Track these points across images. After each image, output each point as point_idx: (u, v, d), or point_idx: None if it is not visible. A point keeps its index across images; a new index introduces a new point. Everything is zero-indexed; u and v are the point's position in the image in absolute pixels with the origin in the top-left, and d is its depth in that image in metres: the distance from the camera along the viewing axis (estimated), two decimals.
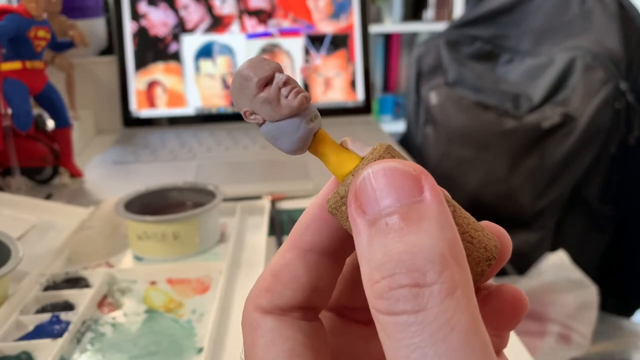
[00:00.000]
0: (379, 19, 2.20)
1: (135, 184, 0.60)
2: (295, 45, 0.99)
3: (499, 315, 0.18)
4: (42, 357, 0.38)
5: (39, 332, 0.41)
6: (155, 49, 0.96)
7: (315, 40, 1.00)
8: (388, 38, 2.26)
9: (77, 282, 0.47)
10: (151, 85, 0.97)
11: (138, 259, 0.52)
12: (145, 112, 0.97)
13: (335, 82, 1.00)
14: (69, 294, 0.45)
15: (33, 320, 0.42)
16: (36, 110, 0.70)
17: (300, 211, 0.63)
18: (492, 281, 0.19)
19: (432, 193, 0.14)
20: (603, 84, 1.09)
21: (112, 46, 1.00)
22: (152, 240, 0.51)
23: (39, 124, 0.70)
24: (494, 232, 0.19)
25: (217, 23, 0.98)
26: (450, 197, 0.17)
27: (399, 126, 2.12)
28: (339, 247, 0.18)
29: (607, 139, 1.13)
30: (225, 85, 0.98)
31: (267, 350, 0.17)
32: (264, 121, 0.17)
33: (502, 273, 1.16)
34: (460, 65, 1.24)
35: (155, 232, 0.51)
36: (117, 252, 0.54)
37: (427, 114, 1.27)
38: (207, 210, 0.52)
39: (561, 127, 1.11)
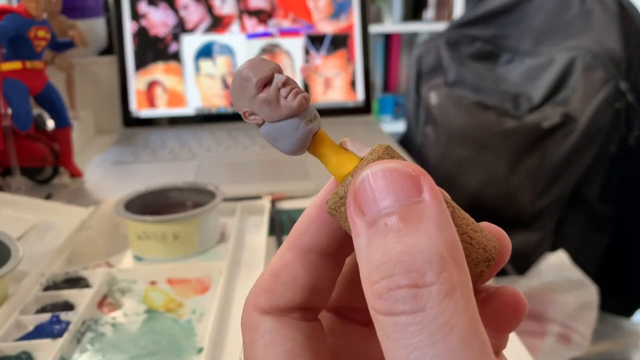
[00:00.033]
0: (379, 19, 2.20)
1: (135, 184, 0.60)
2: (295, 45, 0.99)
3: (499, 317, 0.18)
4: (42, 357, 0.38)
5: (39, 332, 0.41)
6: (155, 49, 0.96)
7: (315, 40, 1.00)
8: (388, 38, 2.26)
9: (77, 282, 0.47)
10: (151, 85, 0.97)
11: (138, 259, 0.52)
12: (145, 112, 0.97)
13: (335, 82, 1.00)
14: (69, 294, 0.45)
15: (33, 320, 0.42)
16: (36, 110, 0.70)
17: (300, 211, 0.63)
18: (491, 282, 0.19)
19: (431, 194, 0.14)
20: (603, 84, 1.09)
21: (112, 46, 1.00)
22: (152, 240, 0.51)
23: (39, 124, 0.70)
24: (493, 233, 0.19)
25: (217, 23, 0.98)
26: (450, 198, 0.17)
27: (399, 126, 2.12)
28: (338, 247, 0.18)
29: (607, 139, 1.13)
30: (225, 85, 0.98)
31: (266, 351, 0.17)
32: (264, 122, 0.17)
33: (502, 273, 1.16)
34: (460, 65, 1.24)
35: (155, 232, 0.51)
36: (117, 252, 0.54)
37: (427, 114, 1.27)
38: (207, 210, 0.52)
39: (561, 127, 1.11)
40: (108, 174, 0.76)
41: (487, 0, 1.30)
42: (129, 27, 0.96)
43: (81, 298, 0.44)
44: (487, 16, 1.28)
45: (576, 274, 1.05)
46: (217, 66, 0.98)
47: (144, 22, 0.96)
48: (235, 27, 0.98)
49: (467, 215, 0.17)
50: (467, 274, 0.14)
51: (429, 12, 2.18)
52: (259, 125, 0.17)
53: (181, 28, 0.97)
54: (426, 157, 1.28)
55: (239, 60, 0.98)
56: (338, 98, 1.00)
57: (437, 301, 0.13)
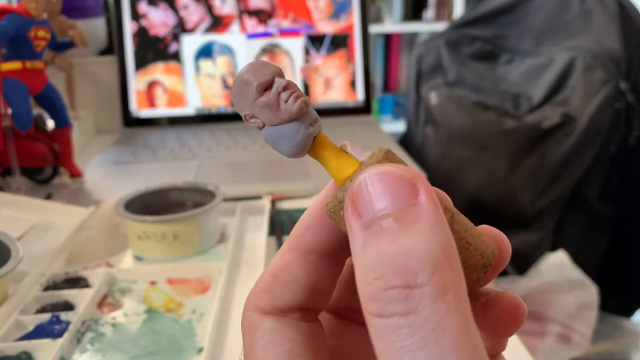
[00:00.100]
0: (379, 19, 2.20)
1: (135, 184, 0.60)
2: (295, 45, 0.99)
3: (498, 322, 0.18)
4: (42, 357, 0.38)
5: (39, 332, 0.41)
6: (155, 49, 0.96)
7: (315, 40, 1.00)
8: (388, 38, 2.26)
9: (77, 282, 0.47)
10: (151, 85, 0.97)
11: (138, 259, 0.52)
12: (145, 112, 0.97)
13: (335, 82, 1.00)
14: (69, 294, 0.45)
15: (33, 320, 0.42)
16: (36, 110, 0.70)
17: (300, 211, 0.63)
18: (491, 284, 0.19)
19: (427, 197, 0.14)
20: (603, 84, 1.09)
21: (112, 46, 1.00)
22: (152, 240, 0.51)
23: (39, 124, 0.70)
24: (493, 236, 0.19)
25: (217, 23, 0.98)
26: (451, 202, 0.17)
27: (399, 126, 2.12)
28: (338, 249, 0.18)
29: (607, 139, 1.13)
30: (225, 85, 0.98)
31: (266, 351, 0.17)
32: (264, 125, 0.17)
33: (502, 273, 1.16)
34: (460, 65, 1.24)
35: (155, 232, 0.51)
36: (117, 252, 0.54)
37: (427, 114, 1.27)
38: (207, 210, 0.52)
39: (561, 127, 1.11)
40: (108, 174, 0.76)
41: (487, 0, 1.30)
42: (129, 27, 0.96)
43: (81, 298, 0.44)
44: (487, 16, 1.28)
45: (576, 274, 1.05)
46: (217, 66, 0.98)
47: (144, 22, 0.96)
48: (235, 27, 0.98)
49: (466, 220, 0.17)
50: (461, 277, 0.14)
51: (429, 12, 2.18)
52: (260, 128, 0.17)
53: (181, 28, 0.97)
54: (426, 157, 1.28)
55: (239, 60, 0.98)
56: (338, 98, 1.00)
57: (429, 303, 0.13)
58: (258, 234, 0.57)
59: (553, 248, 1.15)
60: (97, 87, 0.98)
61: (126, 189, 0.58)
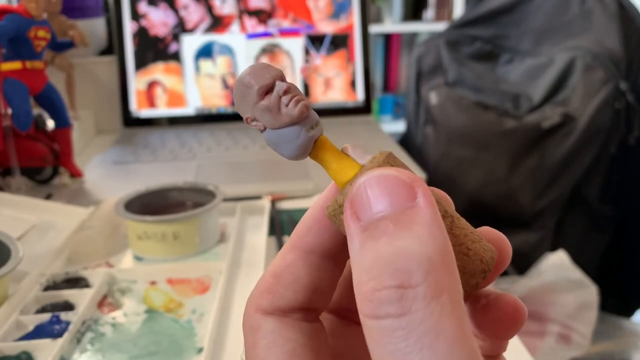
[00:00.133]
0: (379, 19, 2.20)
1: (135, 184, 0.60)
2: (295, 45, 0.99)
3: (498, 324, 0.18)
4: (42, 357, 0.38)
5: (39, 332, 0.41)
6: (155, 49, 0.96)
7: (315, 40, 1.00)
8: (388, 38, 2.26)
9: (77, 282, 0.47)
10: (151, 85, 0.97)
11: (138, 259, 0.52)
12: (145, 112, 0.97)
13: (335, 82, 1.00)
14: (69, 294, 0.45)
15: (33, 320, 0.42)
16: (36, 110, 0.70)
17: (300, 211, 0.63)
18: (491, 285, 0.19)
19: (426, 200, 0.14)
20: (603, 84, 1.09)
21: (112, 46, 1.00)
22: (152, 240, 0.51)
23: (39, 124, 0.70)
24: (493, 237, 0.19)
25: (217, 23, 0.98)
26: (452, 206, 0.17)
27: (399, 126, 2.12)
28: (340, 249, 0.18)
29: (607, 139, 1.13)
30: (225, 85, 0.98)
31: (268, 352, 0.17)
32: (265, 128, 0.17)
33: (502, 273, 1.16)
34: (460, 65, 1.24)
35: (155, 232, 0.51)
36: (117, 252, 0.54)
37: (427, 114, 1.27)
38: (207, 210, 0.52)
39: (561, 127, 1.11)
40: (108, 174, 0.76)
41: (487, 0, 1.30)
42: (129, 27, 0.96)
43: (81, 298, 0.44)
44: (487, 16, 1.28)
45: (576, 274, 1.05)
46: (217, 66, 0.98)
47: (144, 22, 0.96)
48: (235, 27, 0.98)
49: (466, 225, 0.17)
50: (457, 279, 0.14)
51: (429, 12, 2.18)
52: (262, 131, 0.17)
53: (181, 28, 0.97)
54: (426, 157, 1.28)
55: (239, 60, 0.98)
56: (338, 98, 1.00)
57: (423, 304, 0.13)
58: (258, 234, 0.57)
59: (553, 248, 1.15)
60: (97, 87, 0.98)
61: (126, 189, 0.58)
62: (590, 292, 1.05)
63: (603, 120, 1.10)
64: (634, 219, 1.21)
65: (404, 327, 0.13)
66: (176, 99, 0.97)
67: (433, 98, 1.25)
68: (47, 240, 0.54)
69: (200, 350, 0.39)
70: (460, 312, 0.13)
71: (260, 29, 0.98)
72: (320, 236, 0.18)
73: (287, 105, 0.17)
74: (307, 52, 1.00)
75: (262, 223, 0.58)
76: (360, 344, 0.20)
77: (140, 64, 0.96)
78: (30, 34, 0.64)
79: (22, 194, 0.64)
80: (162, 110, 0.97)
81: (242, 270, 0.50)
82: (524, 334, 1.06)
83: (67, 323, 0.41)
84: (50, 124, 0.71)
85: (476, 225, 0.18)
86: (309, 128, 0.17)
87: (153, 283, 0.48)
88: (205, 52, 0.97)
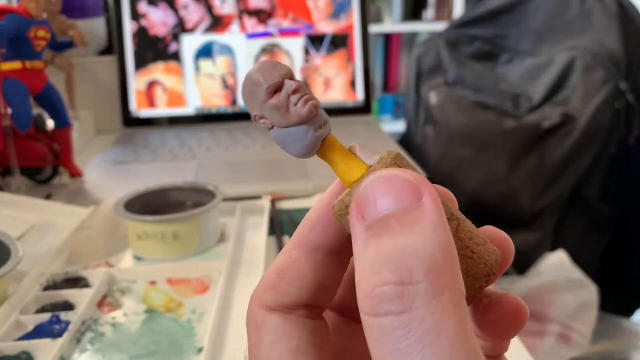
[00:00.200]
0: (379, 19, 2.20)
1: (135, 184, 0.60)
2: (295, 45, 0.99)
3: (500, 324, 0.18)
4: (42, 357, 0.38)
5: (39, 332, 0.41)
6: (155, 49, 0.96)
7: (315, 40, 1.00)
8: (388, 38, 2.26)
9: (77, 282, 0.47)
10: (151, 85, 0.97)
11: (138, 259, 0.52)
12: (145, 112, 0.97)
13: (335, 82, 1.00)
14: (69, 294, 0.45)
15: (33, 320, 0.42)
16: (36, 110, 0.70)
17: (300, 211, 0.63)
18: (492, 286, 0.19)
19: (432, 201, 0.14)
20: (603, 84, 1.09)
21: (112, 46, 1.00)
22: (152, 240, 0.51)
23: (39, 124, 0.70)
24: (497, 237, 0.19)
25: (217, 23, 0.98)
26: (457, 205, 0.17)
27: (399, 126, 2.12)
28: (344, 246, 0.18)
29: (607, 139, 1.13)
30: (225, 85, 0.98)
31: (272, 349, 0.17)
32: (273, 126, 0.17)
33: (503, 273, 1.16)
34: (460, 65, 1.24)
35: (155, 232, 0.51)
36: (117, 252, 0.54)
37: (427, 114, 1.27)
38: (207, 210, 0.52)
39: (561, 127, 1.11)
40: (108, 174, 0.76)
41: (487, 0, 1.30)
42: (129, 27, 0.96)
43: (81, 298, 0.44)
44: (487, 16, 1.28)
45: (576, 274, 1.05)
46: (217, 66, 0.98)
47: (144, 22, 0.96)
48: (235, 27, 0.98)
49: (472, 228, 0.17)
50: (459, 279, 0.14)
51: (429, 12, 2.18)
52: (270, 129, 0.17)
53: (181, 28, 0.97)
54: (426, 157, 1.28)
55: (239, 60, 0.98)
56: (338, 98, 1.00)
57: (424, 302, 0.13)
58: (258, 234, 0.57)
59: (553, 248, 1.15)
60: (97, 87, 0.98)
61: (126, 189, 0.58)
62: (590, 292, 1.05)
63: (603, 120, 1.10)
64: (634, 219, 1.21)
65: (404, 325, 0.13)
66: (176, 99, 0.97)
67: (433, 98, 1.25)
68: (47, 240, 0.54)
69: (200, 350, 0.39)
70: (462, 312, 0.13)
71: (260, 29, 0.98)
72: (325, 233, 0.18)
73: (295, 104, 0.17)
74: (307, 52, 1.00)
75: (262, 223, 0.58)
76: (363, 343, 0.20)
77: (140, 64, 0.96)
78: (30, 34, 0.64)
79: (22, 194, 0.64)
80: (162, 110, 0.97)
81: (242, 270, 0.50)
82: (524, 334, 1.06)
83: (67, 323, 0.41)
84: (50, 124, 0.71)
85: (476, 226, 0.18)
86: (317, 127, 0.17)
87: (153, 283, 0.48)
88: (205, 52, 0.97)
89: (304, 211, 0.65)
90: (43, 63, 0.67)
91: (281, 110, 0.17)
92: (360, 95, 1.01)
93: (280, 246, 0.55)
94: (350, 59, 1.00)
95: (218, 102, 0.98)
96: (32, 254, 0.49)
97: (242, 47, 0.98)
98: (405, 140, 1.43)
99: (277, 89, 0.17)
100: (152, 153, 0.83)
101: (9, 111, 0.64)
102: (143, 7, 0.96)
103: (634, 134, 1.13)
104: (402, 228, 0.14)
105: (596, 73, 1.09)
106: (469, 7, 1.95)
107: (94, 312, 0.44)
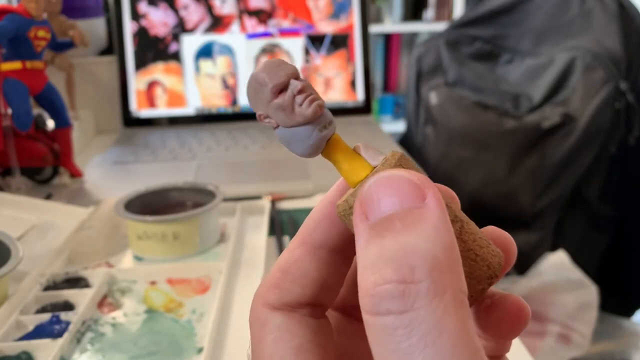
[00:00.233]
0: (379, 19, 2.20)
1: (135, 184, 0.60)
2: (295, 45, 0.99)
3: (502, 324, 0.18)
4: (42, 357, 0.38)
5: (39, 332, 0.41)
6: (155, 49, 0.96)
7: (315, 40, 1.00)
8: (388, 38, 2.26)
9: (77, 282, 0.47)
10: (151, 85, 0.97)
11: (138, 259, 0.52)
12: (145, 112, 0.97)
13: (335, 82, 1.00)
14: (69, 294, 0.45)
15: (33, 320, 0.42)
16: (36, 110, 0.70)
17: (300, 211, 0.63)
18: (494, 287, 0.19)
19: (435, 202, 0.14)
20: (603, 84, 1.09)
21: (112, 46, 1.00)
22: (152, 240, 0.51)
23: (39, 124, 0.70)
24: (499, 238, 0.19)
25: (217, 23, 0.98)
26: (459, 205, 0.17)
27: (399, 126, 2.12)
28: (348, 244, 0.18)
29: (607, 139, 1.13)
30: (225, 85, 0.98)
31: (275, 347, 0.17)
32: (278, 125, 0.17)
33: None
34: (460, 65, 1.24)
35: (155, 232, 0.51)
36: (117, 252, 0.54)
37: (427, 114, 1.27)
38: (207, 210, 0.52)
39: (561, 127, 1.11)
40: (108, 174, 0.76)
41: (487, 0, 1.30)
42: (129, 27, 0.96)
43: (81, 298, 0.44)
44: (487, 16, 1.28)
45: (576, 274, 1.05)
46: (217, 66, 0.98)
47: (144, 22, 0.96)
48: (235, 27, 0.98)
49: (475, 229, 0.17)
50: (461, 279, 0.14)
51: (429, 12, 2.18)
52: (274, 128, 0.17)
53: (181, 28, 0.97)
54: (426, 157, 1.28)
55: (239, 60, 0.98)
56: (338, 98, 1.00)
57: (426, 301, 0.13)
58: (258, 234, 0.57)
59: (553, 248, 1.15)
60: (97, 87, 0.98)
61: (126, 189, 0.58)
62: (590, 292, 1.05)
63: (603, 120, 1.10)
64: (634, 219, 1.21)
65: (406, 325, 0.13)
66: (176, 99, 0.97)
67: (433, 98, 1.25)
68: (47, 240, 0.54)
69: (200, 350, 0.39)
70: (464, 311, 0.13)
71: (260, 29, 0.98)
72: (328, 231, 0.18)
73: (300, 105, 0.17)
74: (307, 52, 1.00)
75: (262, 223, 0.58)
76: (365, 342, 0.20)
77: (140, 64, 0.96)
78: (30, 34, 0.64)
79: (22, 194, 0.64)
80: (162, 110, 0.97)
81: (242, 270, 0.50)
82: (524, 334, 1.06)
83: (67, 323, 0.41)
84: (50, 124, 0.71)
85: (479, 227, 0.18)
86: (321, 127, 0.17)
87: (153, 283, 0.48)
88: (205, 52, 0.97)
89: (304, 211, 0.66)
90: (43, 63, 0.67)
91: (286, 110, 0.17)
92: (360, 95, 1.01)
93: (280, 246, 0.55)
94: (350, 59, 1.00)
95: (218, 102, 0.98)
96: (32, 254, 0.49)
97: (242, 47, 0.98)
98: (405, 140, 1.43)
99: (283, 88, 0.17)
100: (152, 153, 0.83)
101: (9, 111, 0.64)
102: (143, 7, 0.96)
103: (634, 134, 1.13)
104: (405, 227, 0.14)
105: (596, 73, 1.09)
106: (469, 7, 1.95)
107: (94, 312, 0.44)
